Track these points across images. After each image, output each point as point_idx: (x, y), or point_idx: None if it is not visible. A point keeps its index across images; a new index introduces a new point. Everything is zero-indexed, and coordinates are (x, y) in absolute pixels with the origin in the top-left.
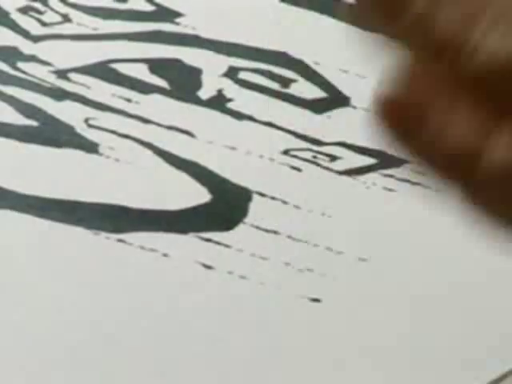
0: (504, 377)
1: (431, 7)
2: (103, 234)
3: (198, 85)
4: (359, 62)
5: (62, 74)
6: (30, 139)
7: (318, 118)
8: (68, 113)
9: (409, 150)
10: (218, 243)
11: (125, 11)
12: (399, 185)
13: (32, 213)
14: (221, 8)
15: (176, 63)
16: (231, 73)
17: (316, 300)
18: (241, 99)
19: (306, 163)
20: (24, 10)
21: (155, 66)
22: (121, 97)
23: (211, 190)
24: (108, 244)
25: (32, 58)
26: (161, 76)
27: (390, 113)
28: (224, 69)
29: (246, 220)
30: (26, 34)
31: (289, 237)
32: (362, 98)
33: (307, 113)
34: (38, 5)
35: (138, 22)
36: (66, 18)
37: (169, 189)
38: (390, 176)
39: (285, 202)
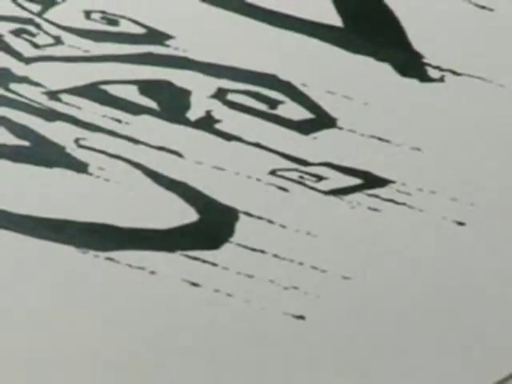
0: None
1: None
2: (91, 253)
3: (187, 106)
4: (346, 82)
5: (53, 95)
6: (21, 159)
7: (304, 138)
8: (59, 133)
9: None
10: (204, 261)
11: (116, 34)
12: (384, 204)
13: (22, 231)
14: (211, 31)
15: (166, 85)
16: (220, 94)
17: (300, 317)
18: (229, 120)
19: (293, 183)
20: (17, 33)
21: (145, 87)
22: (111, 117)
23: (199, 210)
24: (96, 262)
25: (24, 80)
26: (150, 97)
27: None
28: (213, 90)
29: (233, 239)
30: (18, 55)
31: (275, 255)
32: (348, 120)
33: (294, 134)
34: (30, 27)
35: (129, 45)
36: (58, 41)
37: (157, 208)
38: (375, 196)
39: (271, 222)
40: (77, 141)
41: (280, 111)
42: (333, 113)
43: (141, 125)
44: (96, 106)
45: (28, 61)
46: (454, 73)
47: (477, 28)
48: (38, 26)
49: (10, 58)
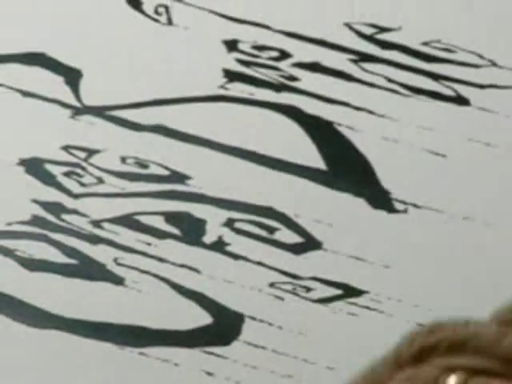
0: None
1: None
2: (127, 349)
3: (203, 232)
4: (329, 213)
5: (97, 223)
6: (70, 274)
7: (296, 258)
8: (101, 254)
9: None
10: (218, 356)
11: (146, 175)
12: (360, 310)
13: (73, 332)
14: (221, 173)
15: (186, 215)
16: (229, 223)
17: None
18: (237, 244)
19: (288, 293)
20: (67, 174)
21: (169, 217)
22: (143, 241)
23: (213, 315)
24: (131, 356)
25: (73, 211)
26: (174, 225)
27: None
28: (224, 220)
29: (240, 338)
30: (68, 192)
31: (273, 351)
32: (331, 243)
33: (288, 254)
34: (78, 170)
35: (156, 184)
36: (101, 180)
37: (179, 313)
38: (353, 304)
39: (271, 324)
40: (115, 260)
41: (277, 236)
42: (319, 237)
43: (166, 247)
44: (130, 232)
45: (76, 196)
46: (416, 206)
47: (433, 170)
48: (84, 168)
49: (62, 194)
